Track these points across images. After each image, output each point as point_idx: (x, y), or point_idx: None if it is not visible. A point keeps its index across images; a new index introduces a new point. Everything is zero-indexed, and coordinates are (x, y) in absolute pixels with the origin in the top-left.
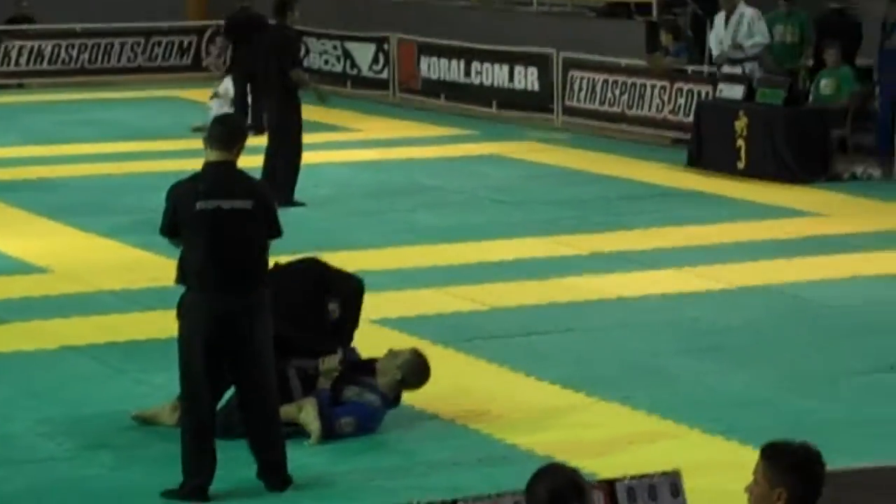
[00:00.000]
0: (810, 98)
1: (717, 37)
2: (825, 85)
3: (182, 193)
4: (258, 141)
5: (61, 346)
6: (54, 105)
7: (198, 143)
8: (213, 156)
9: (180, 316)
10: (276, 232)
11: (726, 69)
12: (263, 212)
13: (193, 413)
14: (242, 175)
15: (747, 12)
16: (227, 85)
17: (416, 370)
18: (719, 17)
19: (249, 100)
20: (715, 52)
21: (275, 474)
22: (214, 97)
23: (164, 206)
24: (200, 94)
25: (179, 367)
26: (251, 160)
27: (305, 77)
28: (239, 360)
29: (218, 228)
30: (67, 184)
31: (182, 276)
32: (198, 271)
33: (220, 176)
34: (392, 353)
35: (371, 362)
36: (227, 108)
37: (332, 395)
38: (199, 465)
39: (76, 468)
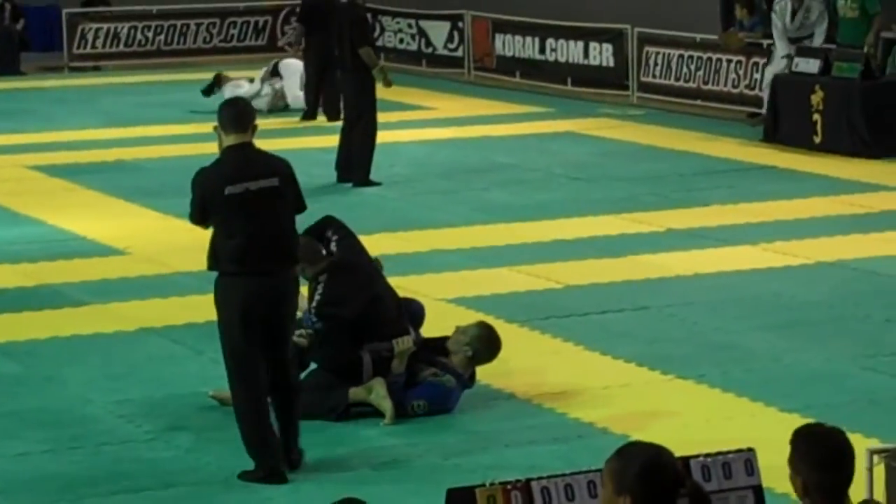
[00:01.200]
0: (887, 72)
1: (782, 30)
2: None
3: (209, 180)
4: (318, 122)
5: (139, 328)
6: (131, 87)
7: (277, 124)
8: (231, 139)
9: (218, 303)
10: (302, 206)
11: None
12: (290, 187)
13: (250, 395)
14: (263, 154)
15: (815, 5)
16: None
17: (485, 344)
18: (781, 6)
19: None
20: (781, 52)
21: (289, 455)
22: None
23: (190, 196)
24: None
25: (225, 354)
26: (327, 140)
27: (374, 56)
28: (271, 339)
29: (249, 210)
30: (145, 166)
31: (215, 262)
32: (232, 255)
33: (242, 158)
34: (460, 330)
35: (442, 340)
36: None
37: (407, 376)
38: (265, 446)
39: (154, 450)
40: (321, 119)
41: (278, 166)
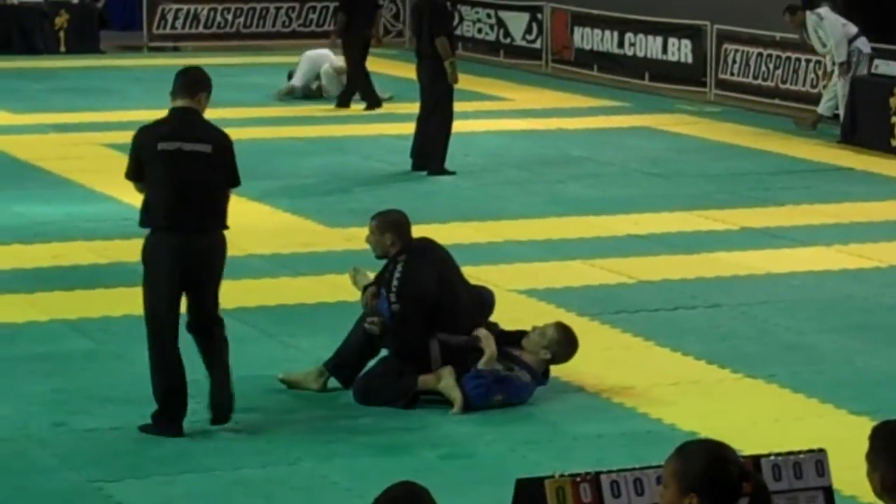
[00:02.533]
0: None
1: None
2: None
3: (146, 135)
4: (408, 108)
5: None
6: (209, 68)
7: (348, 111)
8: (178, 102)
9: (146, 258)
10: (235, 181)
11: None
12: (222, 158)
13: (161, 349)
14: (206, 122)
15: (810, 21)
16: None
17: (564, 346)
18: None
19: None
20: (829, 66)
21: (219, 411)
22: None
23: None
24: None
25: (144, 307)
26: (403, 127)
27: (448, 48)
28: (198, 295)
29: (179, 168)
30: None
31: (147, 218)
32: (159, 209)
33: (181, 120)
34: (538, 332)
35: (517, 334)
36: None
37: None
38: (169, 396)
39: (221, 431)
40: (397, 105)
41: (215, 136)
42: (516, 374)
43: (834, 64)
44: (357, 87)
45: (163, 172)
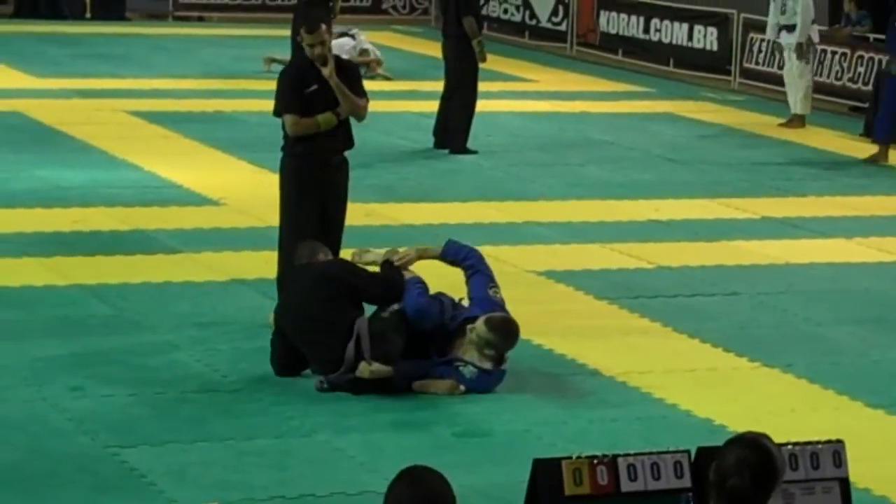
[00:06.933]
0: None
1: (774, 11)
2: None
3: None
4: (431, 86)
5: (231, 279)
6: (233, 40)
7: (375, 85)
8: None
9: None
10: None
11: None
12: None
13: None
14: None
15: None
16: None
17: (500, 336)
18: None
19: None
20: (768, 33)
21: None
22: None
23: None
24: (379, 37)
25: None
26: (427, 105)
27: (475, 28)
28: None
29: None
30: (243, 119)
31: None
32: None
33: None
34: (473, 334)
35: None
36: None
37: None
38: None
39: (239, 401)
40: (421, 82)
41: None
42: (461, 369)
43: (786, 48)
44: None
45: None
